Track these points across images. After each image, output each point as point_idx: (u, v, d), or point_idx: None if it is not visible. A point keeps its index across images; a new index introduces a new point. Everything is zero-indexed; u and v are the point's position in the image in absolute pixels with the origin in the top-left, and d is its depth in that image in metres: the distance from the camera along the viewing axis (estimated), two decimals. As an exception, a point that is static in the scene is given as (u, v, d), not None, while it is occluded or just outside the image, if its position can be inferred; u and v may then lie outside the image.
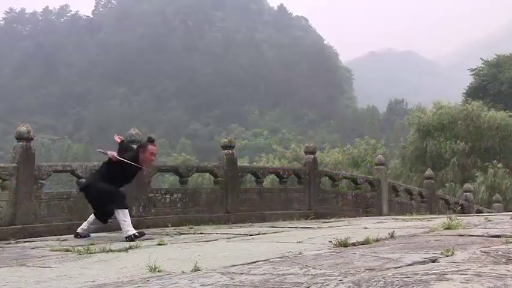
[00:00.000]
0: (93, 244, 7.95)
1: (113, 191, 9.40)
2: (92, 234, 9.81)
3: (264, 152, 55.79)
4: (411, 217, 12.12)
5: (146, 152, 9.62)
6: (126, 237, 8.98)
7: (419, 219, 11.20)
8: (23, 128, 11.05)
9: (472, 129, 40.22)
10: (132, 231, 9.11)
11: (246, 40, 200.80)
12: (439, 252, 5.02)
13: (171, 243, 7.94)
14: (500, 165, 36.46)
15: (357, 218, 14.39)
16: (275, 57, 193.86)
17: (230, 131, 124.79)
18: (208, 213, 13.17)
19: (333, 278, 3.82)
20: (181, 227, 11.47)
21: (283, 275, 4.14)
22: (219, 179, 13.94)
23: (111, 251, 7.01)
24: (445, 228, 7.79)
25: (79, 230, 9.79)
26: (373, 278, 3.67)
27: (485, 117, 40.26)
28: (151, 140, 9.86)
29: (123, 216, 9.24)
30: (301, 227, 10.29)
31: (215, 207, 13.65)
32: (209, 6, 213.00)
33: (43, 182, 11.21)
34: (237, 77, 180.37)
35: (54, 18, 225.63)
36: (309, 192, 15.77)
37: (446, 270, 3.85)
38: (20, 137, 10.99)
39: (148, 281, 4.41)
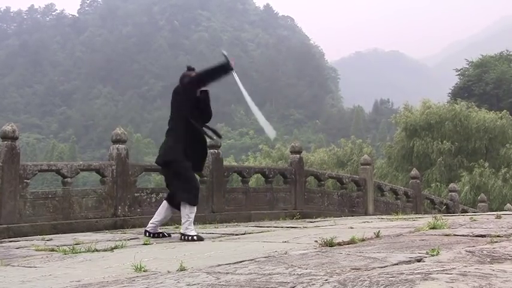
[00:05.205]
0: (78, 244, 7.91)
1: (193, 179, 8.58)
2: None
3: (250, 151, 55.69)
4: (397, 217, 12.14)
5: None
6: (183, 236, 8.21)
7: (404, 218, 11.22)
8: (8, 127, 10.96)
9: (459, 129, 40.30)
10: (194, 232, 8.23)
11: (232, 39, 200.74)
12: (425, 251, 5.04)
13: (156, 243, 7.92)
14: (486, 164, 36.63)
15: (343, 217, 14.39)
16: (261, 56, 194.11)
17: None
18: (194, 213, 13.09)
19: (319, 277, 3.83)
20: (167, 227, 11.42)
21: (269, 274, 4.14)
22: (205, 178, 13.83)
23: (97, 250, 6.98)
24: (431, 228, 7.81)
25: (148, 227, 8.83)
26: (359, 278, 3.68)
27: (474, 118, 40.34)
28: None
29: (190, 212, 8.38)
30: (287, 227, 10.29)
31: (201, 207, 13.50)
32: (195, 6, 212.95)
33: (28, 181, 11.12)
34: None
35: (39, 16, 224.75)
36: (295, 192, 15.75)
37: (431, 270, 3.87)
38: (4, 136, 10.89)
39: (134, 280, 4.40)
